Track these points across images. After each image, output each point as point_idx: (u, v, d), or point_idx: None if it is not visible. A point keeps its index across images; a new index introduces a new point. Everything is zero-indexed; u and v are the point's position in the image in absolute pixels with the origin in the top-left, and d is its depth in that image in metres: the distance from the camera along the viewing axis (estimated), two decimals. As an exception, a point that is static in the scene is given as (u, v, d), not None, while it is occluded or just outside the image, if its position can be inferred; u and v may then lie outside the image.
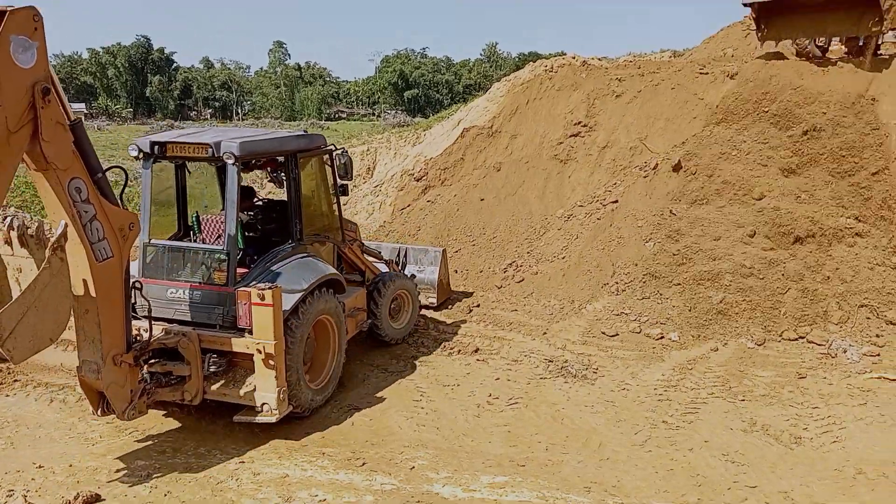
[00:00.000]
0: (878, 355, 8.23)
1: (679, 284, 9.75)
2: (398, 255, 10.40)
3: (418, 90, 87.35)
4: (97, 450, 6.53)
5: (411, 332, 9.59)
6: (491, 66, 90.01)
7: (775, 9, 13.42)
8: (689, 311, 9.34)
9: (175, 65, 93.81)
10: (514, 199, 13.96)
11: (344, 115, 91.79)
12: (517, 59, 78.78)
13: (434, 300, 10.69)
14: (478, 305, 10.86)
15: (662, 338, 9.03)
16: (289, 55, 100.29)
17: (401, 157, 17.40)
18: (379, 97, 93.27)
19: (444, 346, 9.15)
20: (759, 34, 13.85)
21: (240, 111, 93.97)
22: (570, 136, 14.39)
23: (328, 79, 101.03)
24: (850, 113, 11.68)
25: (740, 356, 8.38)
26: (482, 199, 14.02)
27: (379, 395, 7.74)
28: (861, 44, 14.13)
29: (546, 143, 14.60)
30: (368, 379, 8.18)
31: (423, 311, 10.22)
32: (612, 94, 14.49)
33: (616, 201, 12.15)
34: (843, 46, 15.01)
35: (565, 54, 17.38)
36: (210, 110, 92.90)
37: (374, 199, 16.47)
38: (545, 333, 9.52)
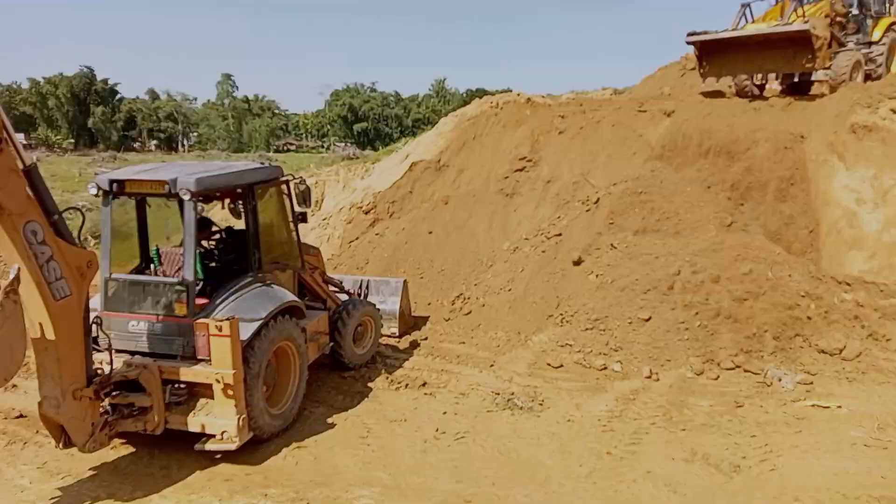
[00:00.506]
0: (812, 383, 8.52)
1: (621, 315, 9.95)
2: (360, 287, 10.83)
3: (368, 123, 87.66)
4: (26, 497, 6.25)
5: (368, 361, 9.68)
6: (439, 101, 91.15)
7: (716, 47, 14.20)
8: (632, 341, 9.53)
9: (119, 95, 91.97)
10: (462, 232, 14.10)
11: (293, 148, 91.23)
12: (465, 95, 79.97)
13: (395, 330, 10.90)
14: (426, 338, 10.87)
15: (606, 368, 9.18)
16: (236, 87, 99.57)
17: (349, 191, 17.42)
18: (328, 130, 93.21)
19: (392, 381, 9.09)
20: (702, 71, 14.71)
21: (185, 143, 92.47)
22: (516, 171, 14.68)
23: (277, 111, 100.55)
24: (781, 150, 12.27)
25: (680, 386, 8.56)
26: (430, 232, 14.11)
27: (324, 432, 7.62)
28: (796, 80, 15.03)
29: (493, 177, 14.85)
30: (313, 416, 8.05)
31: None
32: (556, 131, 14.89)
33: (560, 234, 12.38)
34: (777, 85, 15.94)
35: (511, 91, 17.82)
36: (155, 142, 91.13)
37: (322, 232, 16.38)
38: (492, 366, 9.56)
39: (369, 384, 9.02)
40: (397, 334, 10.90)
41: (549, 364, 9.44)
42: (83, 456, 6.54)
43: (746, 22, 14.54)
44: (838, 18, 13.97)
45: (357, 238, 14.74)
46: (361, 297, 10.42)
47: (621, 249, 11.01)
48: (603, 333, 9.84)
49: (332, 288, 9.61)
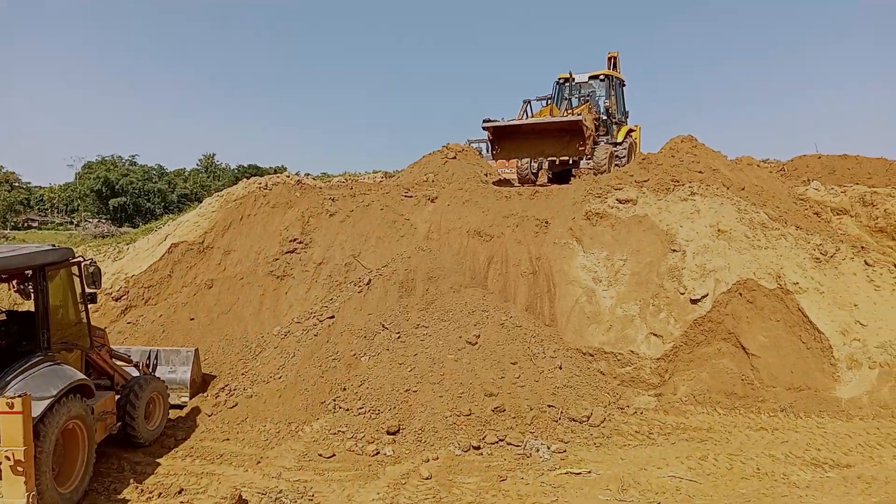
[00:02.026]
0: (565, 451, 9.14)
1: (392, 396, 9.99)
2: (149, 357, 11.11)
3: (126, 198, 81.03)
4: None
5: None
6: (208, 177, 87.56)
7: (507, 133, 16.40)
8: (402, 422, 9.57)
9: None
10: (228, 318, 13.37)
11: (35, 224, 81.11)
12: (236, 171, 77.83)
13: (187, 398, 11.10)
14: (185, 438, 9.92)
15: (378, 453, 9.06)
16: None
17: (98, 275, 15.74)
18: (79, 205, 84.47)
19: (143, 491, 8.06)
20: (494, 153, 16.99)
21: None
22: (287, 253, 14.41)
23: (16, 184, 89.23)
24: (530, 233, 13.50)
25: (449, 465, 8.70)
26: (192, 319, 13.18)
27: (53, 563, 6.50)
28: (570, 163, 17.84)
29: (262, 259, 14.41)
30: (40, 544, 6.83)
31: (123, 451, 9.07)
32: (327, 213, 14.97)
33: (332, 317, 12.28)
34: (547, 171, 18.79)
35: (286, 168, 17.73)
36: None
37: (64, 322, 14.53)
38: (259, 462, 8.96)
39: (114, 498, 7.91)
40: (185, 403, 11.04)
41: (320, 454, 9.10)
42: None
43: (527, 116, 16.90)
44: (593, 121, 16.93)
45: (105, 328, 13.23)
46: (150, 368, 10.67)
47: (392, 330, 11.18)
48: (375, 417, 9.77)
49: (120, 363, 9.67)
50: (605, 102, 18.91)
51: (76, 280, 8.47)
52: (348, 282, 13.39)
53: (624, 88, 20.35)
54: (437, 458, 8.86)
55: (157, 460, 9.07)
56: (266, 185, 15.97)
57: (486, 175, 18.72)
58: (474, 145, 29.07)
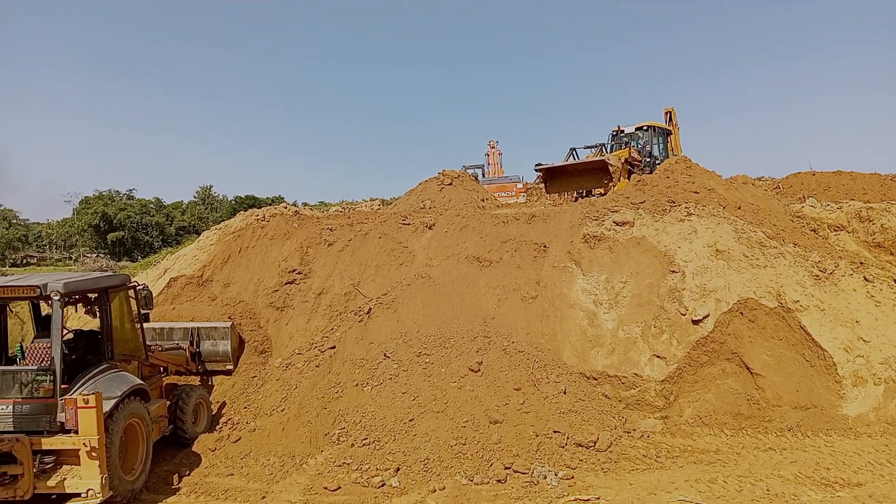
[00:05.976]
0: (573, 478, 9.05)
1: (397, 427, 9.92)
2: (191, 335, 12.35)
3: (124, 232, 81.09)
4: None
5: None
6: (206, 209, 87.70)
7: (554, 173, 20.58)
8: (408, 453, 9.49)
9: None
10: (229, 351, 13.31)
11: (34, 261, 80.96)
12: (234, 202, 77.96)
13: (231, 367, 12.60)
14: (188, 474, 9.81)
15: (384, 485, 8.97)
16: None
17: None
18: (77, 240, 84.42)
19: (146, 530, 8.02)
20: (546, 188, 21.72)
21: None
22: (286, 284, 14.41)
23: (14, 221, 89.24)
24: (528, 258, 13.52)
25: (456, 495, 8.61)
26: (193, 353, 13.12)
27: None
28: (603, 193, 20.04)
29: (261, 290, 14.40)
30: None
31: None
32: (325, 243, 14.99)
33: (334, 347, 12.24)
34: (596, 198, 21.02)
35: (283, 199, 17.79)
36: None
37: (64, 360, 14.45)
38: (264, 497, 8.86)
39: (118, 538, 7.85)
40: (232, 370, 12.60)
41: (325, 487, 8.99)
42: None
43: (574, 159, 20.99)
44: (635, 161, 21.34)
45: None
46: (195, 346, 12.24)
47: (394, 359, 11.13)
48: (380, 448, 9.69)
49: (170, 353, 11.30)
50: (647, 147, 22.78)
51: (132, 302, 9.77)
52: (348, 311, 13.37)
53: (670, 136, 24.22)
54: (444, 489, 8.77)
55: (161, 498, 8.97)
56: (264, 217, 16.01)
57: (483, 201, 18.81)
58: (470, 171, 29.27)
